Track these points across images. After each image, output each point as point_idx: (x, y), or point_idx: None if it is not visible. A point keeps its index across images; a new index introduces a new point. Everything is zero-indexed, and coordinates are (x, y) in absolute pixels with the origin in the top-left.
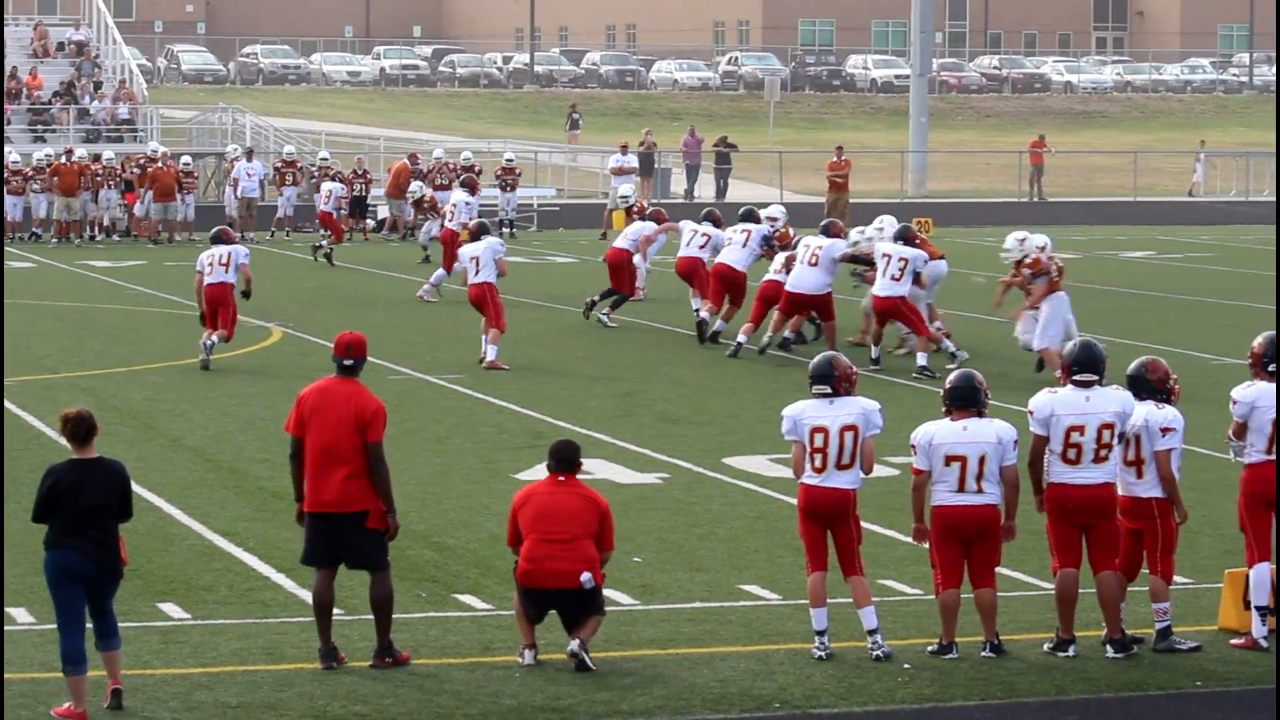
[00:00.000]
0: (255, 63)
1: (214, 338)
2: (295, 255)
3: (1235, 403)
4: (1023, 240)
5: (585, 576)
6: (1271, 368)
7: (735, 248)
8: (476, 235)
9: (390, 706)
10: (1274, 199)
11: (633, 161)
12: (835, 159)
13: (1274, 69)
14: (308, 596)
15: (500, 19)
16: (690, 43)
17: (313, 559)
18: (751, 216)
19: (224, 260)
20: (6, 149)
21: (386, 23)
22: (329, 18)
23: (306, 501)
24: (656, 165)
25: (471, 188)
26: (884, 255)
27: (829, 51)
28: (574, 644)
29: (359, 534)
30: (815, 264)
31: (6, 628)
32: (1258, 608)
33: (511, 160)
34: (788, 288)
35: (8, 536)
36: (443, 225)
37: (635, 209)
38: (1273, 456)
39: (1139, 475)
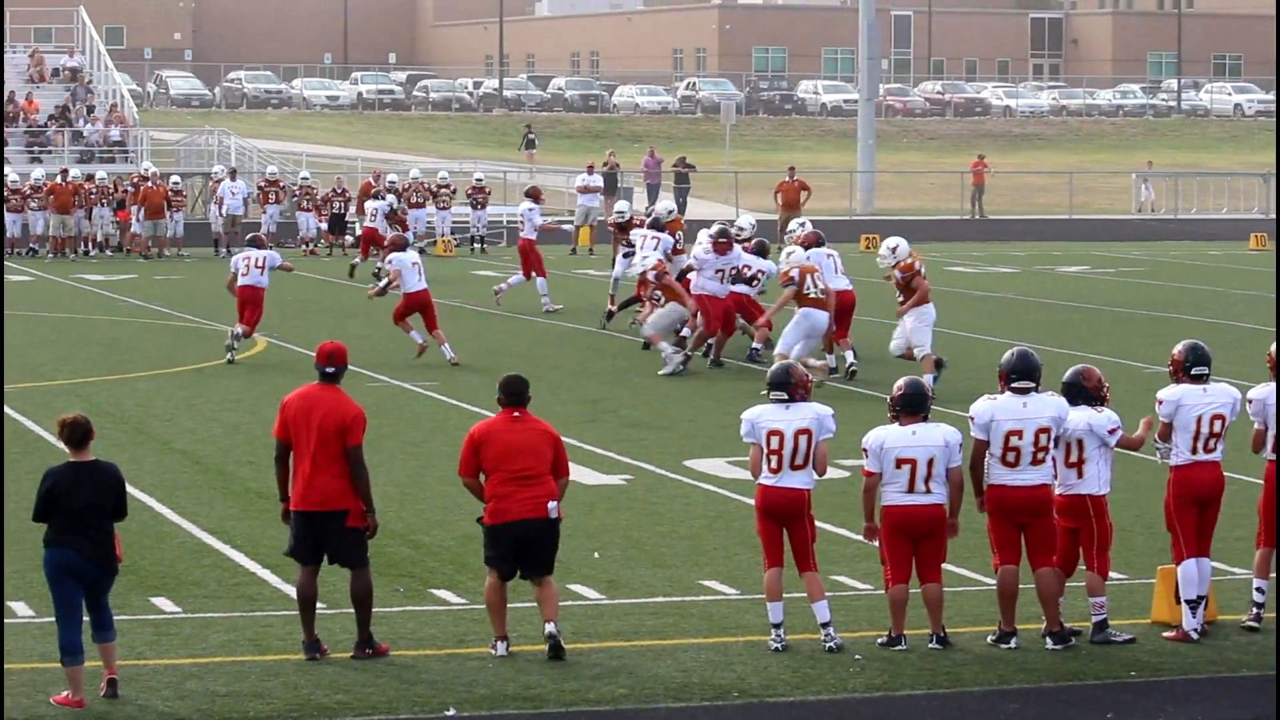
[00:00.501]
0: (239, 88)
1: (240, 328)
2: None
3: (1160, 402)
4: (894, 249)
5: (551, 505)
6: (1194, 370)
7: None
8: None
9: (370, 695)
10: (1201, 216)
11: (598, 181)
12: (787, 179)
13: (1200, 93)
14: (292, 591)
15: (471, 47)
16: (650, 69)
17: (297, 554)
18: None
19: (259, 264)
20: (6, 169)
21: (364, 50)
22: (309, 45)
23: (292, 501)
24: (619, 184)
25: (535, 197)
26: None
27: (781, 77)
28: (549, 626)
29: (340, 532)
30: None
31: (7, 620)
32: (1188, 601)
33: (481, 180)
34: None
35: (9, 534)
36: (519, 235)
37: (634, 221)
38: (1198, 457)
39: (1079, 475)
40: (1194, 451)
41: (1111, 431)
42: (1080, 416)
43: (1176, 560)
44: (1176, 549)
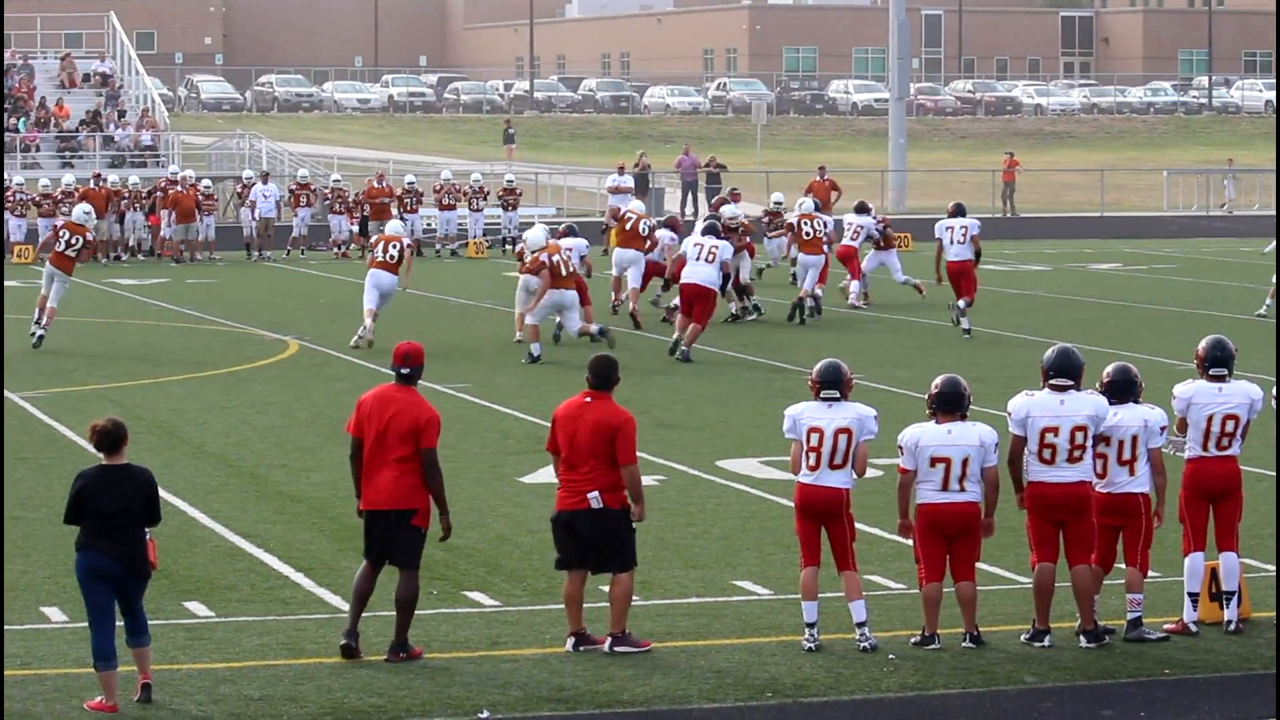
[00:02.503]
0: (270, 91)
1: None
2: (310, 272)
3: (1175, 398)
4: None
5: (592, 495)
6: (1213, 370)
7: (701, 264)
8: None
9: (404, 698)
10: (1237, 214)
11: (629, 181)
12: (818, 178)
13: (1231, 90)
14: (326, 594)
15: (502, 49)
16: (681, 70)
17: (366, 551)
18: (714, 230)
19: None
20: (36, 175)
21: (394, 53)
22: (340, 48)
23: (363, 500)
24: (651, 185)
25: (674, 228)
26: (696, 244)
27: (812, 77)
28: (608, 643)
29: (402, 530)
30: (711, 260)
31: (41, 626)
32: (1189, 594)
33: (512, 181)
34: (683, 279)
35: (44, 539)
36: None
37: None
38: (1208, 453)
39: (1132, 473)
40: (1205, 448)
41: (1163, 429)
42: (1136, 414)
43: (1185, 552)
44: (1186, 542)
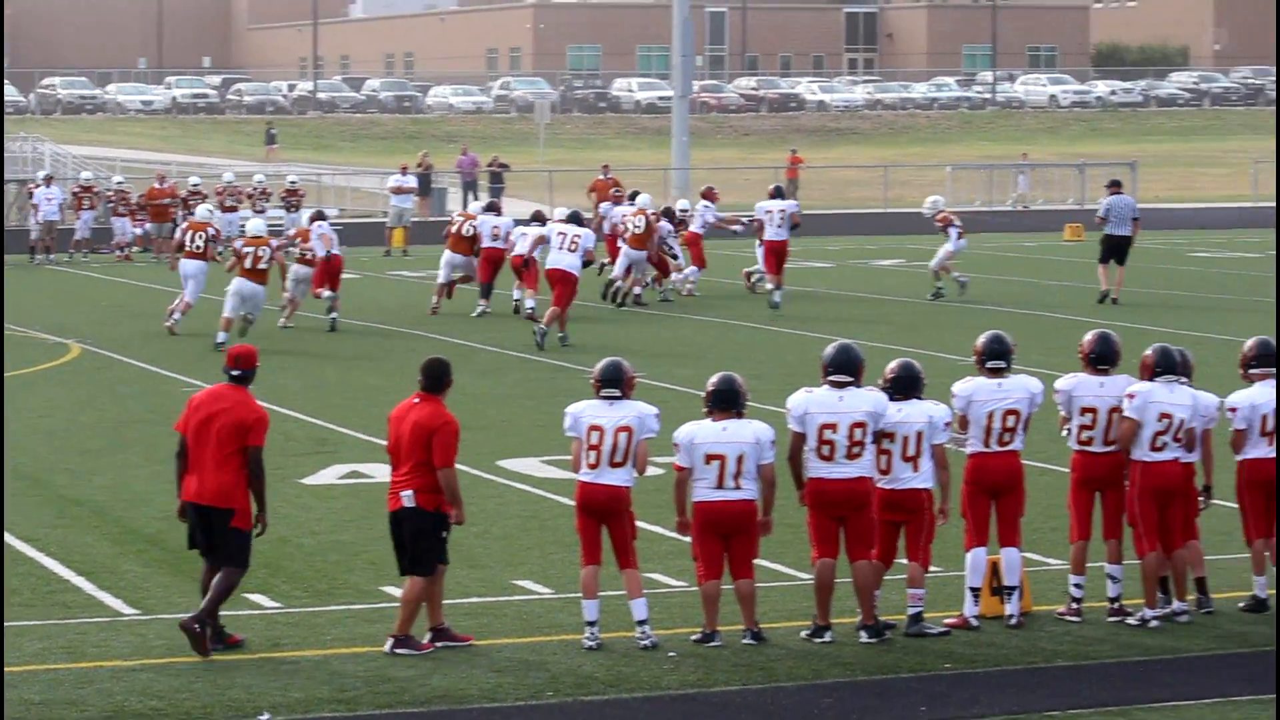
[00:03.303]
0: (54, 94)
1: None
2: (93, 275)
3: (955, 396)
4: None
5: (406, 494)
6: (990, 364)
7: (564, 252)
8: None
9: (185, 700)
10: (1013, 210)
11: (411, 181)
12: (601, 177)
13: (1015, 85)
14: (107, 598)
15: (286, 49)
16: (465, 69)
17: (194, 543)
18: (576, 219)
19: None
20: None
21: (178, 54)
22: (123, 50)
23: (183, 491)
24: (434, 185)
25: (711, 198)
26: (559, 234)
27: (596, 76)
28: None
29: (225, 531)
30: (574, 249)
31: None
32: (971, 589)
33: (295, 182)
34: (547, 265)
35: None
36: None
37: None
38: (990, 448)
39: (915, 469)
40: (986, 444)
41: (947, 425)
42: (920, 410)
43: (968, 547)
44: (968, 537)
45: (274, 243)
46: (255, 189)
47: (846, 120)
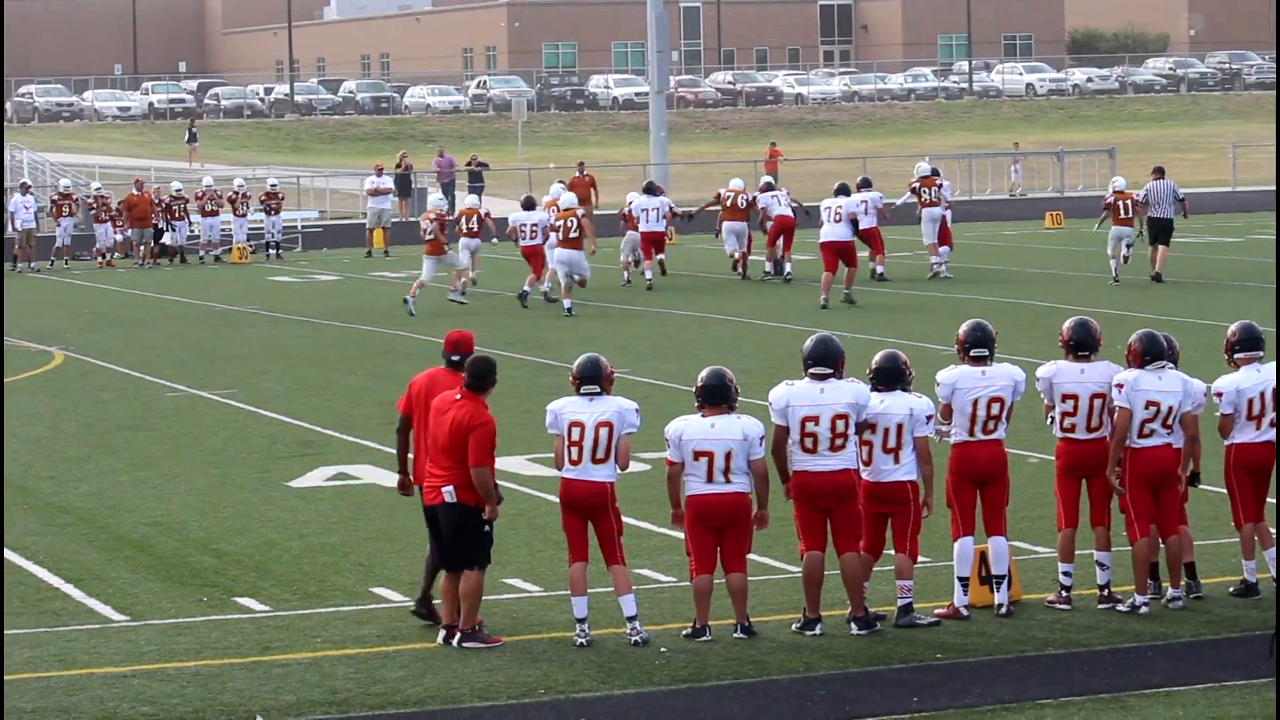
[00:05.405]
0: (30, 101)
1: (536, 284)
2: (74, 283)
3: (939, 384)
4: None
5: (447, 490)
6: (974, 352)
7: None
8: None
9: (177, 706)
10: (999, 197)
11: (387, 182)
12: (578, 174)
13: (991, 74)
14: (96, 605)
15: (261, 52)
16: (441, 69)
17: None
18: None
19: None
20: None
21: (154, 60)
22: (100, 57)
23: (416, 475)
24: (413, 185)
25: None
26: (522, 224)
27: (572, 73)
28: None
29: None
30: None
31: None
32: (959, 578)
33: (275, 185)
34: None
35: None
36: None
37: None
38: (974, 437)
39: (896, 461)
40: (971, 433)
41: (929, 418)
42: (902, 402)
43: (954, 537)
44: (954, 526)
45: (577, 214)
46: (236, 193)
47: (824, 112)
